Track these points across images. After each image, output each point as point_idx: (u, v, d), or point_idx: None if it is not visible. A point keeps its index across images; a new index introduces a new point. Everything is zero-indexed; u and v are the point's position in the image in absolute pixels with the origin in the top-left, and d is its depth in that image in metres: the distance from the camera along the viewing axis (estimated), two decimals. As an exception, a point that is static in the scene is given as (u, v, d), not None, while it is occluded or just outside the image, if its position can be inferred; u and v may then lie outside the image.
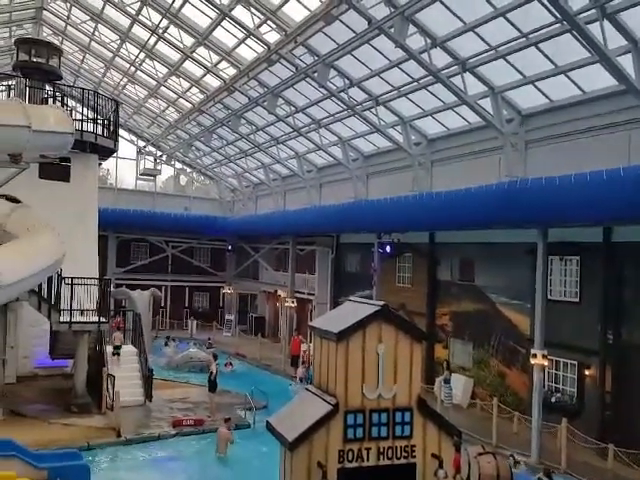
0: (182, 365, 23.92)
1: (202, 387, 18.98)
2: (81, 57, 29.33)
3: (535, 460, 13.75)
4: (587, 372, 15.28)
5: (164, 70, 24.78)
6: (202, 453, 14.35)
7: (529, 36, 12.89)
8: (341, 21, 15.27)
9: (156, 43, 22.76)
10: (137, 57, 24.86)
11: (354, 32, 15.32)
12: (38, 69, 19.96)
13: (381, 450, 6.65)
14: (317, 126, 22.33)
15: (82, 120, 19.69)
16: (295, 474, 6.34)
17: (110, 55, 26.55)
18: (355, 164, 23.33)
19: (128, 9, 21.16)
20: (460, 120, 17.96)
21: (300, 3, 15.91)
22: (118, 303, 26.33)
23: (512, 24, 12.81)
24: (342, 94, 18.68)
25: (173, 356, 25.44)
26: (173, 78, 25.04)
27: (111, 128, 20.85)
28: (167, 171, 37.46)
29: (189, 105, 26.74)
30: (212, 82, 23.63)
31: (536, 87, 14.78)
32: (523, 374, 16.93)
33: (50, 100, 19.75)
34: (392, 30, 13.95)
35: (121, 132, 29.34)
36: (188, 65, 23.29)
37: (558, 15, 11.68)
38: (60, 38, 27.27)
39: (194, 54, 21.65)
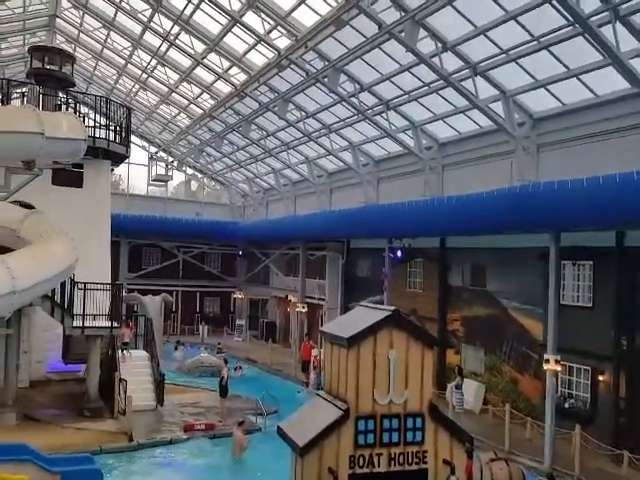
0: (193, 370, 23.96)
1: (213, 392, 19.00)
2: (94, 64, 29.66)
3: (548, 466, 13.58)
4: (601, 378, 15.09)
5: (175, 76, 24.98)
6: (214, 458, 14.34)
7: (541, 39, 12.83)
8: (351, 26, 15.31)
9: (167, 50, 22.95)
10: (149, 64, 25.10)
11: (364, 37, 15.35)
12: (51, 76, 20.16)
13: (392, 456, 6.61)
14: (327, 131, 22.38)
15: (95, 127, 19.87)
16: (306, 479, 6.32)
17: (122, 62, 26.83)
18: (366, 169, 23.33)
19: (140, 16, 21.37)
20: (471, 124, 17.90)
21: (310, 8, 15.98)
22: (130, 308, 26.50)
23: (523, 27, 12.77)
24: (352, 99, 18.70)
25: (183, 360, 25.52)
26: (184, 84, 25.22)
27: (123, 134, 21.00)
28: (178, 177, 37.75)
29: (200, 111, 26.91)
30: (223, 88, 23.78)
31: (548, 90, 14.70)
32: (536, 380, 16.76)
33: (63, 107, 19.96)
34: (403, 34, 13.95)
35: (133, 138, 29.55)
36: (199, 71, 23.46)
37: (570, 18, 11.63)
38: (73, 45, 27.61)
39: (205, 60, 21.80)
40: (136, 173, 35.67)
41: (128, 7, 21.18)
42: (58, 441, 13.58)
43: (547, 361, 14.18)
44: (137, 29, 22.86)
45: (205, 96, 25.51)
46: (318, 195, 26.77)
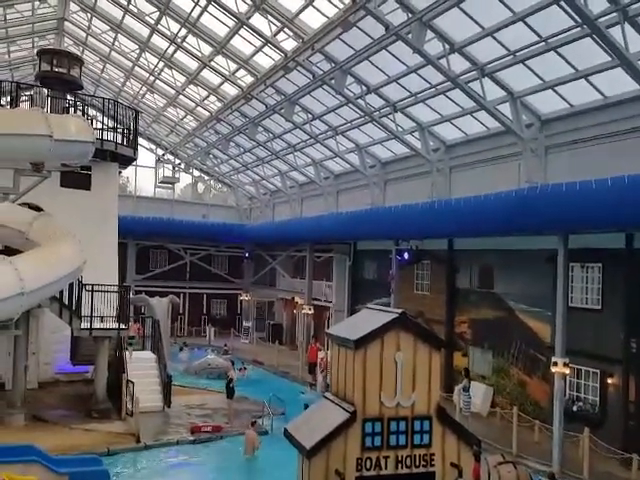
0: (200, 372, 24.02)
1: (220, 393, 19.03)
2: (101, 67, 29.84)
3: (557, 470, 13.49)
4: (610, 381, 14.98)
5: (183, 79, 25.08)
6: (221, 459, 14.38)
7: (548, 40, 12.78)
8: (358, 27, 15.30)
9: (175, 52, 23.05)
10: (156, 66, 25.22)
11: (371, 38, 15.34)
12: (59, 79, 20.30)
13: (399, 459, 6.58)
14: (334, 133, 22.38)
15: (102, 129, 19.98)
16: (313, 482, 6.30)
17: (130, 65, 26.96)
18: (372, 171, 23.31)
19: (147, 19, 21.48)
20: (479, 126, 17.85)
21: (317, 10, 15.99)
22: (137, 310, 26.58)
23: (531, 29, 12.72)
24: (359, 101, 18.70)
25: (189, 362, 25.61)
26: (191, 87, 25.32)
27: (131, 137, 21.11)
28: (185, 179, 37.89)
29: (207, 113, 27.00)
30: (230, 90, 23.85)
31: (556, 92, 14.63)
32: (544, 383, 16.66)
33: (71, 109, 20.08)
34: (410, 36, 13.93)
35: (140, 140, 29.69)
36: (206, 73, 23.54)
37: (578, 19, 11.57)
38: (81, 48, 27.80)
39: (212, 63, 21.88)
40: (143, 175, 35.89)
41: (135, 10, 21.29)
42: (66, 442, 13.65)
43: (555, 364, 14.10)
44: (144, 32, 22.98)
45: (212, 98, 25.59)
46: (325, 197, 26.77)
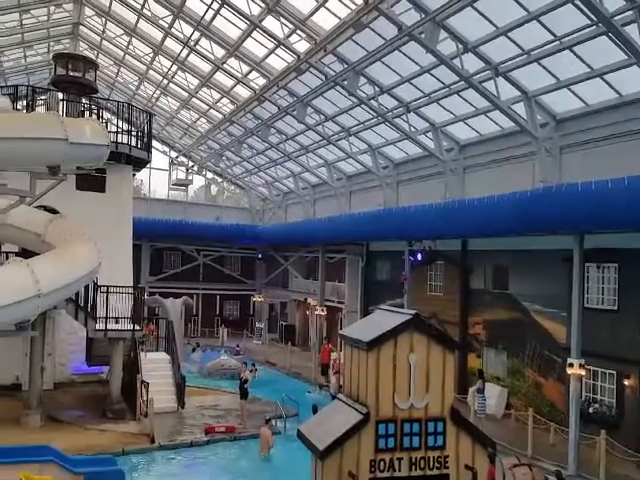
0: (213, 372, 24.12)
1: (232, 394, 19.10)
2: (116, 70, 30.13)
3: (573, 472, 13.34)
4: (626, 382, 14.78)
5: (196, 82, 25.23)
6: (234, 460, 14.43)
7: (563, 39, 12.68)
8: (371, 28, 15.28)
9: (188, 55, 23.21)
10: (169, 69, 25.39)
11: (384, 39, 15.31)
12: (75, 83, 20.52)
13: (413, 460, 6.54)
14: (347, 134, 22.37)
15: (117, 132, 20.17)
16: (326, 484, 6.29)
17: (144, 68, 27.19)
18: (385, 172, 23.26)
19: (161, 22, 21.64)
20: (493, 125, 17.75)
21: (330, 12, 16.00)
22: (151, 311, 26.77)
23: (545, 27, 12.62)
24: (372, 101, 18.67)
25: (200, 362, 25.77)
26: (204, 89, 25.46)
27: (144, 139, 21.27)
28: (198, 181, 38.05)
29: (220, 115, 27.13)
30: (242, 92, 23.94)
31: (571, 91, 14.50)
32: (559, 384, 16.50)
33: (86, 113, 20.29)
34: (423, 36, 13.89)
35: (154, 143, 29.95)
36: (219, 76, 23.66)
37: (593, 17, 11.46)
38: (96, 52, 28.09)
39: (225, 65, 21.98)
40: (157, 178, 36.13)
41: (149, 14, 21.46)
42: (81, 442, 13.78)
43: (571, 365, 13.95)
44: (158, 35, 23.15)
45: (225, 101, 25.72)
46: (337, 198, 26.76)
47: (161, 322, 22.09)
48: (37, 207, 15.23)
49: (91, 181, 19.44)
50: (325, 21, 16.58)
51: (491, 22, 13.33)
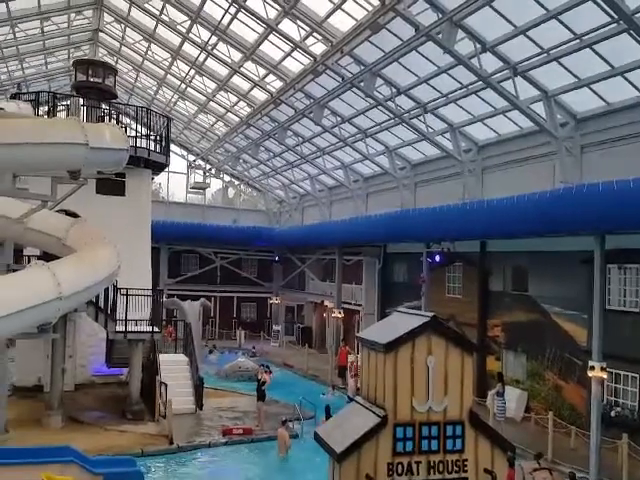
0: (231, 374, 24.24)
1: (250, 396, 19.16)
2: (135, 76, 30.48)
3: (595, 477, 13.11)
4: (651, 386, 14.51)
5: (213, 85, 25.42)
6: (251, 462, 14.48)
7: (583, 37, 12.50)
8: (387, 29, 15.24)
9: (205, 59, 23.39)
10: (187, 74, 25.63)
11: (401, 40, 15.26)
12: (95, 88, 20.80)
13: (432, 464, 6.49)
14: (363, 136, 22.32)
15: (136, 136, 20.38)
16: (344, 486, 6.27)
17: (162, 73, 27.47)
18: (402, 173, 23.16)
19: (179, 28, 21.85)
20: (512, 125, 17.57)
21: (346, 13, 16.00)
22: (170, 313, 26.99)
23: (565, 26, 12.46)
24: (389, 102, 18.61)
25: (217, 364, 25.97)
26: (222, 93, 25.64)
27: (163, 143, 21.47)
28: (216, 184, 38.35)
29: (237, 119, 27.29)
30: (259, 95, 24.05)
31: (591, 89, 14.30)
32: (580, 387, 16.24)
33: (106, 118, 20.56)
34: (440, 36, 13.81)
35: (172, 147, 30.20)
36: (236, 79, 23.80)
37: (614, 15, 11.28)
38: (115, 58, 28.46)
39: (242, 68, 22.10)
40: (175, 181, 36.48)
41: (167, 19, 21.69)
42: (101, 443, 13.94)
43: (592, 368, 13.72)
44: (176, 40, 23.38)
45: (241, 104, 25.86)
46: (354, 200, 26.72)
47: (179, 324, 22.26)
48: (58, 211, 15.45)
49: (111, 185, 19.67)
50: (341, 23, 16.57)
51: (509, 21, 13.20)
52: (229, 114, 27.64)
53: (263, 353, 29.29)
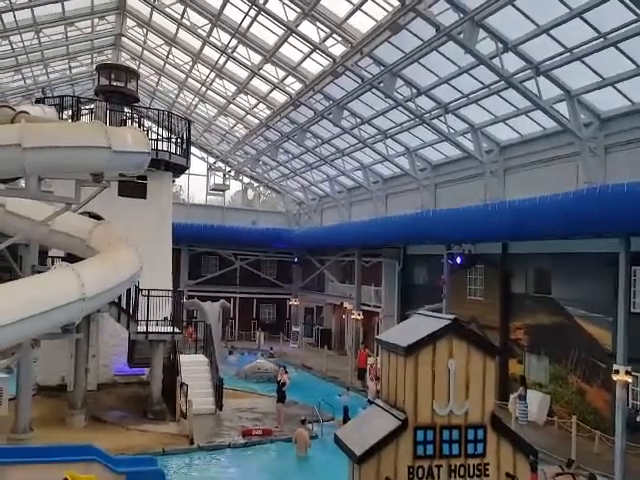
0: (250, 375, 24.33)
1: (269, 397, 19.21)
2: (156, 79, 30.83)
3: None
4: (678, 392, 14.19)
5: (233, 88, 25.58)
6: (271, 463, 14.52)
7: (607, 36, 12.30)
8: (408, 30, 15.17)
9: (225, 62, 23.55)
10: (208, 77, 25.83)
11: (421, 40, 15.19)
12: (117, 92, 21.10)
13: (453, 468, 6.43)
14: (383, 137, 22.25)
15: (157, 140, 20.61)
16: (364, 489, 6.24)
17: (183, 76, 27.74)
18: (423, 174, 23.02)
19: (199, 31, 22.06)
20: (534, 126, 17.36)
21: (366, 14, 15.96)
22: (190, 314, 27.20)
23: (589, 24, 12.28)
24: (409, 103, 18.53)
25: (236, 365, 26.12)
26: (241, 95, 25.78)
27: (183, 146, 21.67)
28: (235, 186, 38.56)
29: (256, 121, 27.42)
30: (278, 97, 24.14)
31: (616, 89, 14.06)
32: (604, 391, 15.94)
33: (128, 121, 20.82)
34: (461, 36, 13.72)
35: (192, 149, 30.48)
36: (255, 82, 23.92)
37: (639, 12, 11.06)
38: (137, 62, 28.83)
39: (261, 71, 22.21)
40: (195, 183, 36.79)
41: (188, 23, 21.91)
42: (123, 442, 14.08)
43: (617, 372, 13.48)
44: (197, 44, 23.60)
45: (261, 106, 25.98)
46: (373, 201, 26.64)
47: (200, 325, 22.41)
48: (82, 213, 15.68)
49: (132, 187, 19.88)
50: (361, 24, 16.55)
51: (532, 20, 13.05)
52: (249, 116, 27.80)
53: (282, 354, 29.33)
